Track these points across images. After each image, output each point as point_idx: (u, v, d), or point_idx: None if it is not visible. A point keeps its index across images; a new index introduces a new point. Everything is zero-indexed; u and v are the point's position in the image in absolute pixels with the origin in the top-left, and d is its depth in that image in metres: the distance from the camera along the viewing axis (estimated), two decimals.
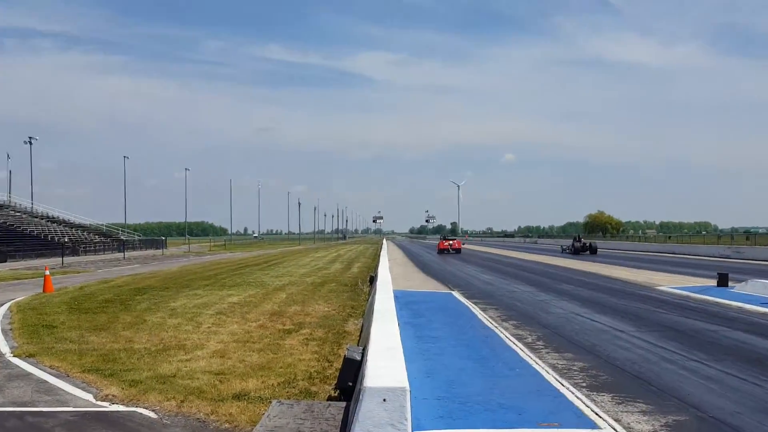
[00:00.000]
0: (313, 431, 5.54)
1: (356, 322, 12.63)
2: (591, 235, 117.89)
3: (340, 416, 5.90)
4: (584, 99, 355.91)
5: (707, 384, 7.54)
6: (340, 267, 33.03)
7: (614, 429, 5.82)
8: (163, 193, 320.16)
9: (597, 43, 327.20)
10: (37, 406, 6.90)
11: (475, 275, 26.50)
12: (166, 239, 76.32)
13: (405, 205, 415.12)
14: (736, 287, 17.69)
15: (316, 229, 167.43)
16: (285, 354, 9.43)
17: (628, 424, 6.05)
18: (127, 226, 77.19)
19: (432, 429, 5.57)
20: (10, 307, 15.34)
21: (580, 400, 6.75)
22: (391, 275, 17.44)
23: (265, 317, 13.23)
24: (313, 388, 7.42)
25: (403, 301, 15.31)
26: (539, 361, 8.73)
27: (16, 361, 9.18)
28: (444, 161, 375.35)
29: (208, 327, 12.00)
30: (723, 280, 18.47)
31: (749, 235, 64.98)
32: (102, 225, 70.25)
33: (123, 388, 7.47)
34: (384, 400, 4.11)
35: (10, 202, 61.66)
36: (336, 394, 6.87)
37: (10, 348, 10.12)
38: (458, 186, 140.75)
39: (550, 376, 7.83)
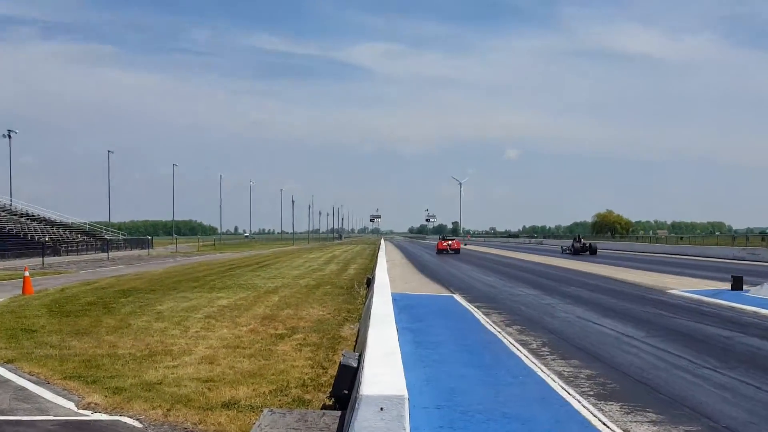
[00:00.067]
0: None
1: (352, 326, 12.63)
2: (599, 235, 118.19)
3: (335, 426, 5.90)
4: (592, 92, 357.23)
5: (720, 393, 7.55)
6: (335, 268, 33.03)
7: None
8: (150, 190, 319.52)
9: (605, 33, 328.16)
10: (15, 415, 6.89)
11: (477, 277, 26.52)
12: (152, 239, 76.28)
13: (404, 204, 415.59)
14: (751, 291, 17.71)
15: (311, 229, 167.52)
16: (277, 360, 9.43)
17: None
18: (111, 224, 77.02)
19: None
20: None
21: (587, 409, 6.76)
22: (389, 277, 17.41)
23: (257, 321, 13.22)
24: (307, 396, 7.42)
25: (402, 304, 15.31)
26: (544, 369, 8.74)
27: None
28: (445, 157, 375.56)
29: (197, 331, 11.98)
30: (737, 284, 18.49)
31: (765, 236, 65.18)
32: (85, 223, 70.20)
33: (106, 396, 7.45)
34: (381, 408, 4.10)
35: None
36: (331, 403, 6.86)
37: None
38: (460, 183, 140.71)
39: (556, 384, 7.84)
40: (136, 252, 59.52)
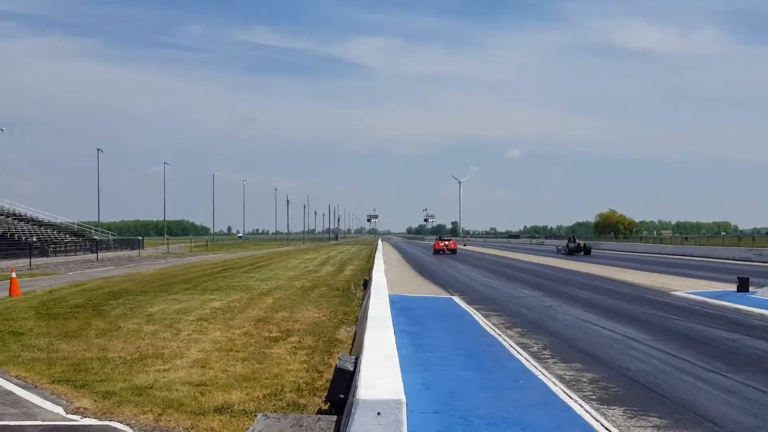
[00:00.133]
0: None
1: (349, 329, 12.64)
2: (602, 236, 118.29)
3: (331, 431, 5.91)
4: (596, 89, 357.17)
5: (725, 396, 7.58)
6: (331, 270, 33.04)
7: None
8: (140, 189, 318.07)
9: (609, 29, 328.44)
10: (2, 420, 6.87)
11: (476, 278, 26.56)
12: (143, 239, 76.17)
13: (402, 204, 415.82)
14: (758, 293, 17.76)
15: (306, 229, 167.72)
16: (271, 364, 9.43)
17: None
18: (100, 224, 76.90)
19: None
20: None
21: (590, 414, 6.77)
22: (386, 279, 17.42)
23: (250, 324, 13.22)
24: (302, 401, 7.43)
25: (400, 306, 15.32)
26: (546, 372, 8.75)
27: None
28: (444, 156, 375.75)
29: (188, 334, 11.98)
30: (743, 285, 18.53)
31: None
32: (73, 223, 70.03)
33: (96, 401, 7.45)
34: (378, 413, 4.11)
35: None
36: (326, 407, 6.87)
37: None
38: (459, 182, 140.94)
39: (558, 388, 7.85)
40: (126, 253, 59.42)
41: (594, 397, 7.53)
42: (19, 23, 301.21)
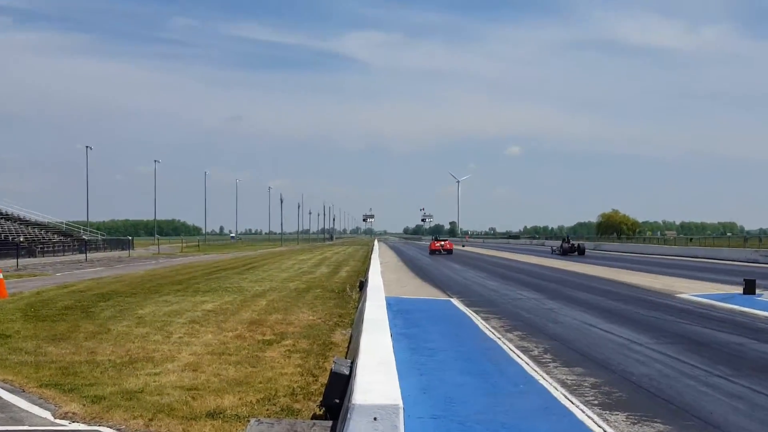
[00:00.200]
0: None
1: (344, 332, 12.64)
2: (604, 236, 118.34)
3: None
4: (598, 85, 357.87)
5: (732, 402, 7.58)
6: (326, 271, 33.05)
7: None
8: (130, 188, 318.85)
9: (613, 24, 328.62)
10: None
11: (475, 280, 26.59)
12: (133, 239, 76.05)
13: (399, 203, 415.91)
14: (765, 295, 17.81)
15: (300, 229, 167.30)
16: (265, 367, 9.43)
17: None
18: (89, 224, 76.90)
19: None
20: None
21: (592, 419, 6.78)
22: (383, 280, 17.41)
23: (243, 327, 13.21)
24: (296, 406, 7.43)
25: (397, 309, 15.33)
26: (546, 377, 8.76)
27: None
28: (443, 154, 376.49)
29: (180, 337, 11.97)
30: (750, 287, 18.57)
31: None
32: (62, 223, 69.92)
33: (84, 405, 7.44)
34: (374, 419, 4.11)
35: None
36: (321, 412, 6.86)
37: None
38: (458, 181, 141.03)
39: (559, 393, 7.86)
40: (115, 253, 59.36)
41: (596, 402, 7.53)
42: (4, 16, 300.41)
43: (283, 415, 7.01)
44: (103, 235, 77.06)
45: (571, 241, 55.98)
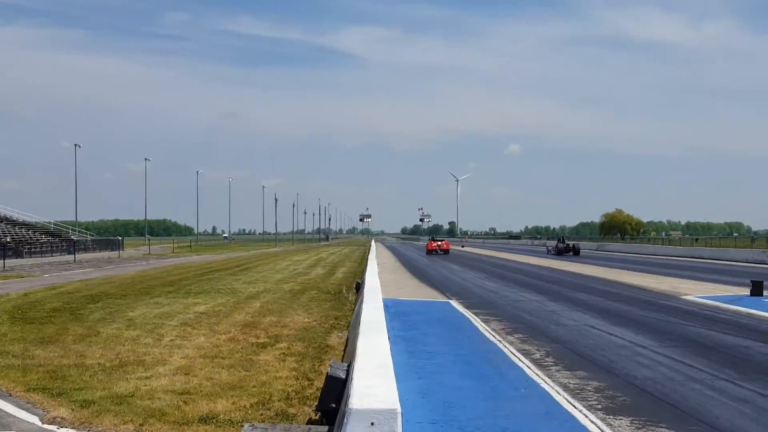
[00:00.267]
0: None
1: (340, 335, 12.65)
2: (607, 236, 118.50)
3: None
4: (599, 81, 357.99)
5: (738, 406, 7.59)
6: (322, 272, 33.05)
7: None
8: (120, 187, 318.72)
9: (614, 19, 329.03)
10: None
11: (475, 281, 26.61)
12: (123, 239, 76.05)
13: (397, 203, 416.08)
14: None
15: (295, 229, 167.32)
16: (259, 371, 9.42)
17: None
18: (78, 224, 76.80)
19: None
20: None
21: (595, 424, 6.78)
22: (380, 281, 17.43)
23: (237, 329, 13.21)
24: (291, 410, 7.42)
25: (394, 311, 15.33)
26: (548, 380, 8.76)
27: None
28: (442, 153, 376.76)
29: (171, 340, 11.96)
30: (757, 289, 18.58)
31: None
32: (50, 223, 69.82)
33: (73, 410, 7.43)
34: (372, 424, 4.11)
35: None
36: (317, 417, 6.87)
37: None
38: (457, 180, 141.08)
39: (561, 397, 7.86)
40: (105, 254, 59.30)
41: (600, 406, 7.54)
42: None
43: (277, 420, 7.00)
44: (93, 236, 76.97)
45: (566, 242, 58.50)
